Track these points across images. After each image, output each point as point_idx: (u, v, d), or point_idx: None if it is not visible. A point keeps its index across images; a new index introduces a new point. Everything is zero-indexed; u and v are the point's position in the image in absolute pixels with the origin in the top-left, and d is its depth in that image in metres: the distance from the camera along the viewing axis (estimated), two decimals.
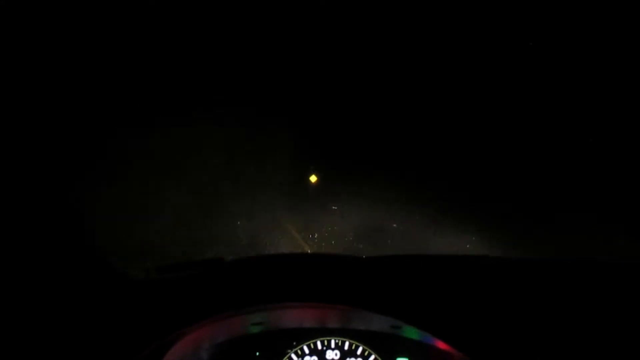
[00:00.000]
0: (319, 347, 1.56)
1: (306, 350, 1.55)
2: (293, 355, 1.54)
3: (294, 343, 1.55)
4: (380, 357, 1.55)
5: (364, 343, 1.56)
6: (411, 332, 1.49)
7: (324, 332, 1.57)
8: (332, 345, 1.57)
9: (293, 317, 1.53)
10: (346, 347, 1.56)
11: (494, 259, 1.65)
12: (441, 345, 1.43)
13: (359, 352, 1.56)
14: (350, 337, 1.57)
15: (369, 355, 1.55)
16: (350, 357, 1.56)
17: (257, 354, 1.55)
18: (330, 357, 1.56)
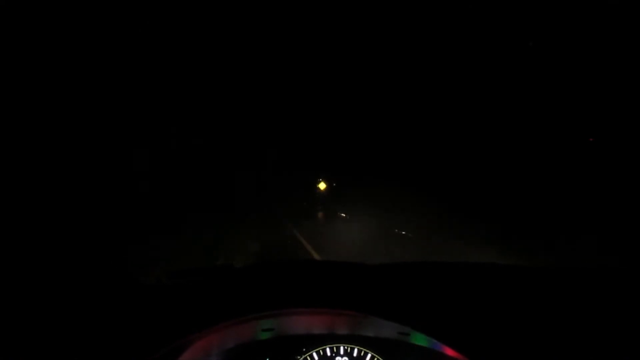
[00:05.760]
0: (328, 353, 1.56)
1: (315, 357, 1.56)
2: None
3: (304, 349, 1.56)
4: None
5: (373, 350, 1.56)
6: (420, 339, 1.49)
7: (333, 338, 1.58)
8: (341, 352, 1.57)
9: (302, 323, 1.54)
10: (355, 353, 1.56)
11: (503, 267, 1.65)
12: (450, 352, 1.42)
13: (367, 358, 1.56)
14: (359, 344, 1.57)
15: None
16: None
17: None
18: None
